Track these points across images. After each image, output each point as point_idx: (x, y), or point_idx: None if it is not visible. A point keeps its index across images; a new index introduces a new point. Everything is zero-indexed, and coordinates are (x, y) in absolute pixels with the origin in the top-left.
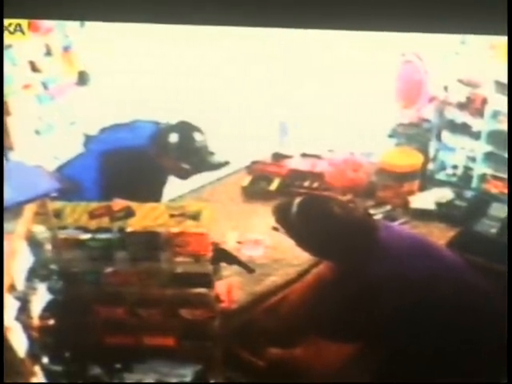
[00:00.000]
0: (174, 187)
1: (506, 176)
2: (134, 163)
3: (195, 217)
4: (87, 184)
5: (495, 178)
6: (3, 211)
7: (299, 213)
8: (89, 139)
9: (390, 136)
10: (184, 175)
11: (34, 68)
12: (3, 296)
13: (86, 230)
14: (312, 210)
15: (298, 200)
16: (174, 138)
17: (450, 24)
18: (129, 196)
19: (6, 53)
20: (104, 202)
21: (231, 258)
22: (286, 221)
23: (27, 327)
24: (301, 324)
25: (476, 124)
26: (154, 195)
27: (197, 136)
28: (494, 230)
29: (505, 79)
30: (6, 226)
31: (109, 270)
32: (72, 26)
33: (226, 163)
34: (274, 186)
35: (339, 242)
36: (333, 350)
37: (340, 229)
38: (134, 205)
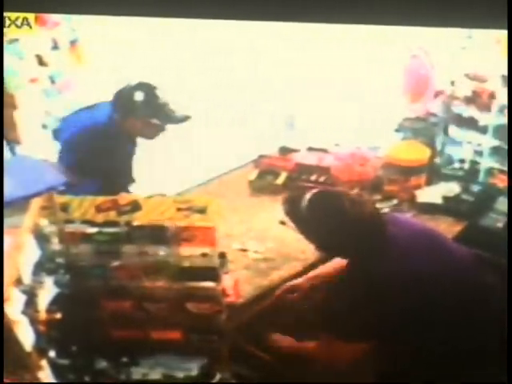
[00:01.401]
0: (180, 181)
1: None
2: (99, 140)
3: (202, 211)
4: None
5: (502, 172)
6: (3, 208)
7: (310, 207)
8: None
9: (397, 130)
10: (152, 133)
11: (41, 62)
12: (3, 297)
13: (92, 223)
14: (323, 205)
15: (308, 195)
16: (139, 96)
17: (457, 18)
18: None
19: (13, 47)
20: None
21: None
22: (295, 214)
23: (34, 321)
24: (309, 318)
25: (483, 118)
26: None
27: (159, 93)
28: (500, 224)
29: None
30: (13, 220)
31: (115, 263)
32: (79, 19)
33: (187, 118)
34: (280, 180)
35: (349, 237)
36: (346, 350)
37: (350, 224)
38: (140, 198)
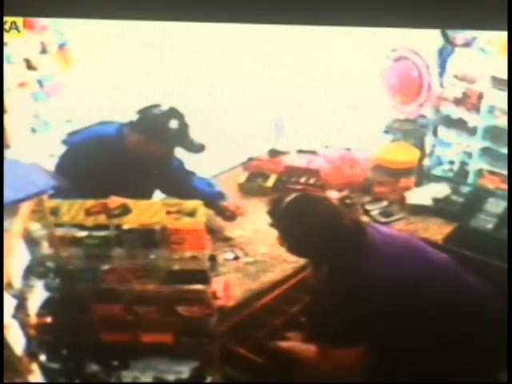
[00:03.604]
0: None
1: (502, 171)
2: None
3: (192, 214)
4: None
5: (491, 173)
6: (3, 211)
7: (288, 209)
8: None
9: (386, 132)
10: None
11: (29, 66)
12: (3, 298)
13: (82, 227)
14: (301, 207)
15: (289, 197)
16: (174, 124)
17: (446, 19)
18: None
19: None
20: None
21: None
22: (277, 218)
23: (24, 325)
24: (296, 321)
25: (472, 119)
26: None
27: (188, 121)
28: (490, 226)
29: (501, 74)
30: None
31: (106, 267)
32: (67, 23)
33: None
34: (270, 182)
35: (323, 241)
36: (334, 355)
37: (326, 229)
38: (130, 202)
